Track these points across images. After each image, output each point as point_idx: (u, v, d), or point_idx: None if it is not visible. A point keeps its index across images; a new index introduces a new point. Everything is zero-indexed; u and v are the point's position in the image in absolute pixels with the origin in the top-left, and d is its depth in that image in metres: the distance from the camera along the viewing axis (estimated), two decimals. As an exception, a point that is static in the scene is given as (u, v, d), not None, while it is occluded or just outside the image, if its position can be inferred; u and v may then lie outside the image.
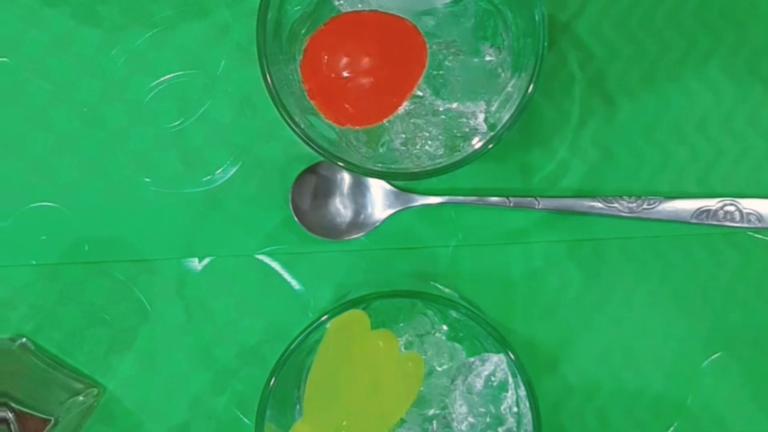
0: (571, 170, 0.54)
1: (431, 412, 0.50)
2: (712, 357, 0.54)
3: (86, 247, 0.54)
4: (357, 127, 0.48)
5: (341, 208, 0.53)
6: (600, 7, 0.54)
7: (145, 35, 0.54)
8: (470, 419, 0.49)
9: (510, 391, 0.49)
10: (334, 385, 0.49)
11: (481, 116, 0.49)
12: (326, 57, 0.47)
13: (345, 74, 0.47)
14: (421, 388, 0.49)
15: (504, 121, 0.45)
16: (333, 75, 0.47)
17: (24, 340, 0.53)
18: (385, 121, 0.48)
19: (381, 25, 0.48)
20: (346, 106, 0.48)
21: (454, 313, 0.49)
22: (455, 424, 0.49)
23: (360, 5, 0.48)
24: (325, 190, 0.53)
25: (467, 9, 0.49)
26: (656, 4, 0.54)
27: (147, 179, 0.54)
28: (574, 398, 0.54)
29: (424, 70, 0.48)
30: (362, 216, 0.53)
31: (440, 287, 0.53)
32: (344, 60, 0.47)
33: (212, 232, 0.54)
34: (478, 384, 0.49)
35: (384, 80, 0.47)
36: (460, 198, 0.53)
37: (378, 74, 0.47)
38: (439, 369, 0.50)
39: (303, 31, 0.50)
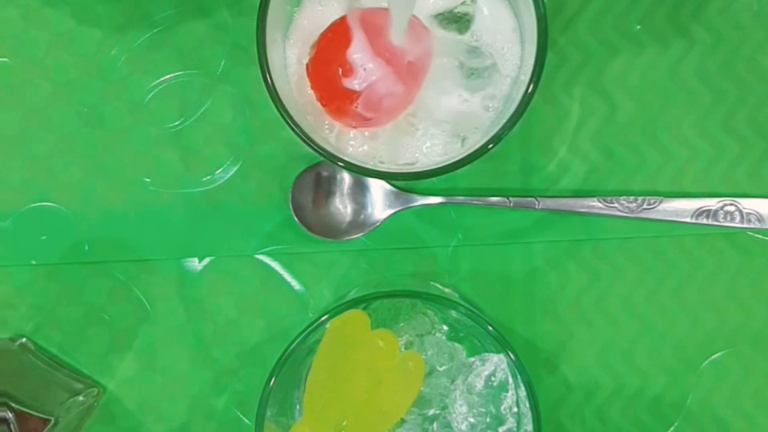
0: (571, 170, 0.54)
1: (431, 412, 0.50)
2: (713, 357, 0.54)
3: (86, 247, 0.54)
4: (366, 130, 0.49)
5: (341, 208, 0.53)
6: (600, 6, 0.54)
7: (145, 35, 0.54)
8: (470, 419, 0.49)
9: (510, 391, 0.49)
10: (334, 385, 0.49)
11: (484, 117, 0.49)
12: (334, 68, 0.47)
13: (356, 84, 0.47)
14: (422, 388, 0.49)
15: (504, 121, 0.45)
16: (343, 87, 0.47)
17: (24, 340, 0.53)
18: (393, 121, 0.48)
19: (383, 21, 0.48)
20: (359, 111, 0.48)
21: (454, 313, 0.49)
22: (455, 424, 0.49)
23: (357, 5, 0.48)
24: (325, 190, 0.53)
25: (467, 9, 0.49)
26: (656, 3, 0.54)
27: (147, 179, 0.54)
28: (574, 398, 0.54)
29: (430, 64, 0.48)
30: (362, 216, 0.53)
31: (440, 287, 0.53)
32: (352, 67, 0.47)
33: (212, 232, 0.54)
34: (479, 384, 0.49)
35: (405, 74, 0.48)
36: (460, 198, 0.53)
37: (399, 70, 0.47)
38: (440, 369, 0.50)
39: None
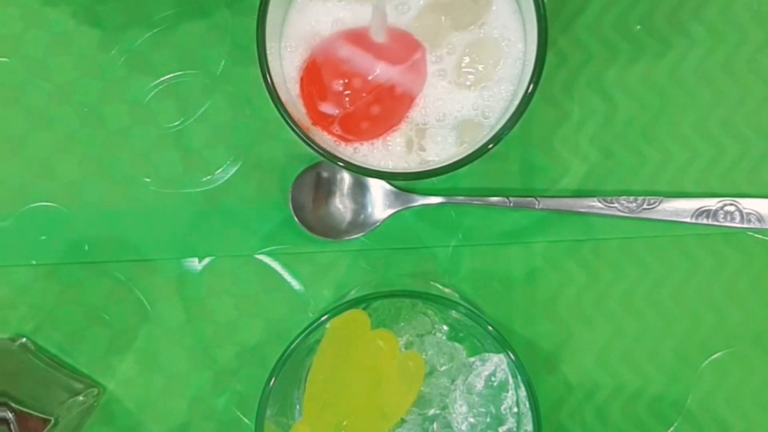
0: (571, 170, 0.54)
1: (432, 412, 0.50)
2: (712, 357, 0.54)
3: (86, 247, 0.54)
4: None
5: (341, 208, 0.53)
6: (600, 7, 0.54)
7: (145, 35, 0.54)
8: (470, 419, 0.49)
9: (510, 391, 0.49)
10: (334, 385, 0.49)
11: (482, 122, 0.48)
12: (314, 90, 0.47)
13: (330, 110, 0.47)
14: (422, 388, 0.50)
15: (504, 121, 0.45)
16: (331, 111, 0.48)
17: (24, 340, 0.53)
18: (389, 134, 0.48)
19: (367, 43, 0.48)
20: (348, 135, 0.48)
21: (454, 313, 0.49)
22: (455, 424, 0.49)
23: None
24: (325, 190, 0.53)
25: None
26: (656, 3, 0.54)
27: (147, 179, 0.54)
28: (574, 398, 0.54)
29: (424, 77, 0.48)
30: (362, 216, 0.53)
31: (440, 287, 0.53)
32: (327, 93, 0.47)
33: (212, 232, 0.54)
34: (479, 384, 0.49)
35: (385, 98, 0.48)
36: (460, 198, 0.53)
37: (377, 94, 0.47)
38: (440, 369, 0.50)
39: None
